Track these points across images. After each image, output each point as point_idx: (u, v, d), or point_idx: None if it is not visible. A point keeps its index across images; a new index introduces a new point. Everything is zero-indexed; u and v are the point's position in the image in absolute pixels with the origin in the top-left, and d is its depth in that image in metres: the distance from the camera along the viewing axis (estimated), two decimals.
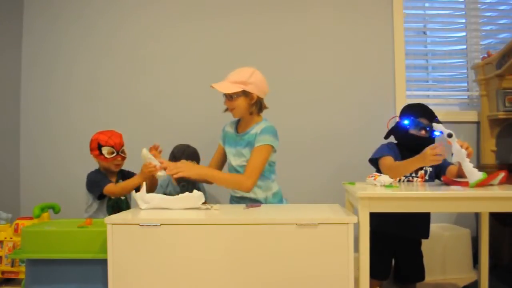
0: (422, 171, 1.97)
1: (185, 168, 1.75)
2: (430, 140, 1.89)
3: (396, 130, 2.04)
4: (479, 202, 1.48)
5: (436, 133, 1.79)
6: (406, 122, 1.95)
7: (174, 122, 2.73)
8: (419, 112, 1.97)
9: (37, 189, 2.70)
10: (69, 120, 2.75)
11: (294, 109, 2.71)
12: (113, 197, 2.05)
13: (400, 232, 1.96)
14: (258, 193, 1.87)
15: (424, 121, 1.93)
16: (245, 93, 1.83)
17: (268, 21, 2.77)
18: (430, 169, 1.99)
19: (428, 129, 1.90)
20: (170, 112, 2.74)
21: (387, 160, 1.91)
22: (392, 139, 2.08)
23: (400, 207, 1.48)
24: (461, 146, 1.64)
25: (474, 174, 1.59)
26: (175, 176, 1.74)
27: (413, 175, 1.97)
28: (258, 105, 1.88)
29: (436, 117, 1.96)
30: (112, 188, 2.00)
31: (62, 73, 2.77)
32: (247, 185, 1.79)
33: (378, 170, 1.93)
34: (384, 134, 2.09)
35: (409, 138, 1.95)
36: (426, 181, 1.98)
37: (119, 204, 2.08)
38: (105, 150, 2.04)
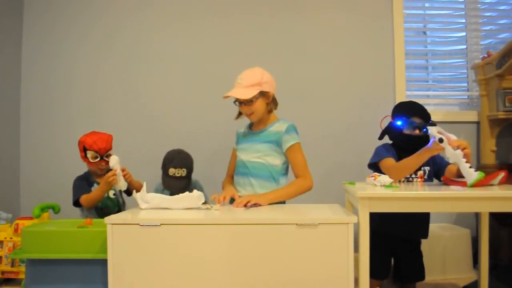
0: (421, 171, 1.97)
1: (254, 198, 1.66)
2: (425, 138, 1.90)
3: (390, 131, 2.03)
4: (479, 202, 1.48)
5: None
6: (399, 123, 1.94)
7: (174, 123, 2.74)
8: (411, 111, 1.96)
9: (37, 189, 2.70)
10: (69, 120, 2.75)
11: (294, 109, 2.69)
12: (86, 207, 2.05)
13: (400, 232, 1.96)
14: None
15: (417, 119, 1.92)
16: (262, 94, 1.81)
17: (268, 21, 2.77)
18: (429, 168, 1.99)
19: (422, 128, 1.90)
20: (171, 113, 2.74)
21: (390, 161, 1.90)
22: (386, 139, 2.07)
23: (400, 207, 1.48)
24: (459, 146, 1.63)
25: (471, 175, 1.60)
26: (248, 204, 1.64)
27: (413, 175, 1.97)
28: (274, 102, 1.89)
29: (428, 114, 1.96)
30: (82, 200, 2.01)
31: (62, 73, 2.77)
32: (309, 184, 1.81)
33: (378, 172, 1.93)
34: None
35: (404, 138, 1.94)
36: (425, 180, 1.97)
37: (108, 205, 2.08)
38: (89, 154, 2.04)
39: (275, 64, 2.73)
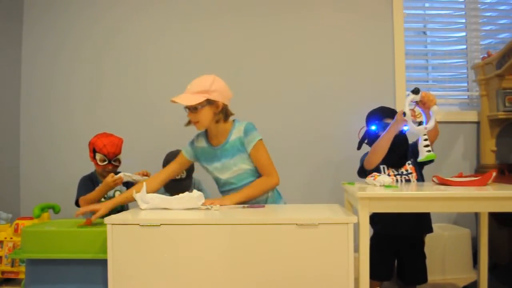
0: (410, 165, 2.00)
1: (218, 201, 1.69)
2: (402, 136, 1.92)
3: (367, 139, 2.08)
4: (478, 202, 1.48)
5: (405, 127, 1.84)
6: (373, 127, 2.02)
7: (175, 122, 2.71)
8: (382, 113, 2.04)
9: (37, 189, 2.70)
10: (69, 120, 2.75)
11: (294, 109, 2.71)
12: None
13: (404, 232, 1.96)
14: None
15: (389, 120, 1.95)
16: (209, 102, 1.74)
17: (268, 22, 2.77)
18: (412, 160, 2.00)
19: None
20: (172, 112, 2.72)
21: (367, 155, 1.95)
22: (366, 148, 2.08)
23: (400, 207, 1.48)
24: (424, 98, 1.68)
25: (423, 152, 1.67)
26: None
27: (404, 172, 1.98)
28: (224, 113, 1.79)
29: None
30: (81, 200, 2.02)
31: (62, 73, 2.77)
32: (274, 181, 1.81)
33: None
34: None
35: None
36: (417, 171, 1.99)
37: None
38: (98, 157, 2.05)
39: (275, 64, 2.74)
